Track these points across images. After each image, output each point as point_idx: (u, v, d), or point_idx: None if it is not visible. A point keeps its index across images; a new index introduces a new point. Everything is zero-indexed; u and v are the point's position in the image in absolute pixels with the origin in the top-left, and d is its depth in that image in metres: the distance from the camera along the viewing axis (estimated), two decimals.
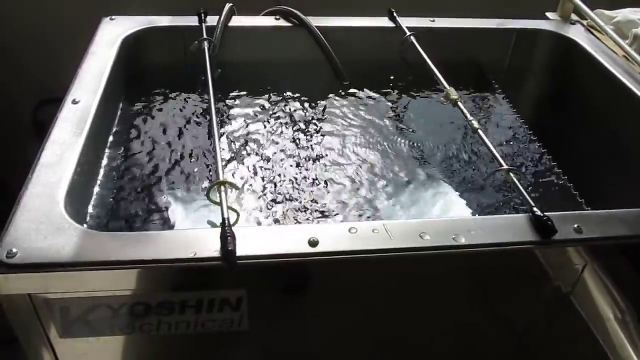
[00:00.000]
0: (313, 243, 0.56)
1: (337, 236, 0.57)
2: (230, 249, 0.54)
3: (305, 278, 0.61)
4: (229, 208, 0.61)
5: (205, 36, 0.90)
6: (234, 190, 0.74)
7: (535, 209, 0.61)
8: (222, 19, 0.94)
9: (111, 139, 0.79)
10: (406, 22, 0.99)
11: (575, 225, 0.61)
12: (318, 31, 0.96)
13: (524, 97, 1.06)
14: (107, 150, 0.77)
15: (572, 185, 0.80)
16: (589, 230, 0.61)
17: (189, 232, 0.58)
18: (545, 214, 0.60)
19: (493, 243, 0.58)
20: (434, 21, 1.02)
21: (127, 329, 0.60)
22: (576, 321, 0.70)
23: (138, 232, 0.57)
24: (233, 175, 0.79)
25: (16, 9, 1.28)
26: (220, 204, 0.59)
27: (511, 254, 0.60)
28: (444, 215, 0.74)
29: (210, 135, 0.84)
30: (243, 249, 0.55)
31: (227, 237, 0.54)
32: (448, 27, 1.02)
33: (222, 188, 0.61)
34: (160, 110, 0.89)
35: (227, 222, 0.56)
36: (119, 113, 0.85)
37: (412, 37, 0.94)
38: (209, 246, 0.55)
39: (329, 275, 0.60)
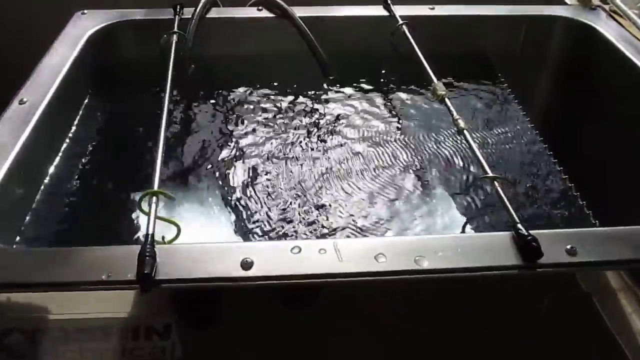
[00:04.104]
0: (246, 265, 0.48)
1: (275, 257, 0.49)
2: (145, 271, 0.46)
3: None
4: (169, 221, 0.54)
5: (176, 29, 0.83)
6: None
7: (519, 226, 0.51)
8: (197, 10, 0.87)
9: (66, 143, 0.73)
10: (402, 11, 0.90)
11: (568, 246, 0.50)
12: (302, 23, 0.88)
13: (534, 93, 0.94)
14: (59, 155, 0.71)
15: (579, 194, 0.69)
16: (585, 252, 0.50)
17: (110, 249, 0.51)
18: (531, 232, 0.50)
19: (463, 267, 0.49)
20: (433, 9, 0.92)
21: (49, 356, 0.53)
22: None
23: (52, 247, 0.51)
24: (197, 179, 0.72)
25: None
26: (148, 215, 0.52)
27: (486, 279, 0.50)
28: (407, 232, 0.63)
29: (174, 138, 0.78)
30: (166, 270, 0.48)
31: (145, 256, 0.47)
32: (449, 15, 0.92)
33: (154, 199, 0.54)
34: (126, 110, 0.83)
35: (149, 238, 0.49)
36: (80, 114, 0.79)
37: (404, 27, 0.84)
38: (127, 266, 0.48)
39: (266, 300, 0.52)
